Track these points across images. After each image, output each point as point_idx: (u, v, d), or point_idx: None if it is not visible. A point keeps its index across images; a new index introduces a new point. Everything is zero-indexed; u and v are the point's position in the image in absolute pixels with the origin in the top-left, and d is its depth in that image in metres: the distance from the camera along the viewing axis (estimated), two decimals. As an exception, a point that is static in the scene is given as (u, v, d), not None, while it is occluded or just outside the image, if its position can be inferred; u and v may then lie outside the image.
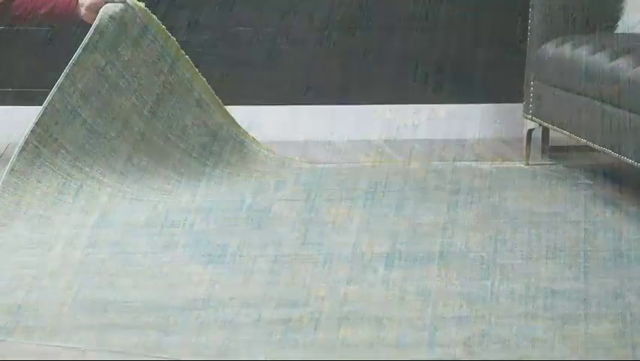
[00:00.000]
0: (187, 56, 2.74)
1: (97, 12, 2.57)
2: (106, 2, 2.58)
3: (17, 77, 3.23)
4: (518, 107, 3.33)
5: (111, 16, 2.55)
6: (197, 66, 2.76)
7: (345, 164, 2.92)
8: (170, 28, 2.71)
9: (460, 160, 2.99)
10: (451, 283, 1.85)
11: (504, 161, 2.96)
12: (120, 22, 2.56)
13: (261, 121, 3.32)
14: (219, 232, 2.19)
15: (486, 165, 2.88)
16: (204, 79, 2.78)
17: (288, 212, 2.36)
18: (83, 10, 2.61)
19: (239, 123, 2.85)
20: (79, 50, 2.49)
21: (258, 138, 3.30)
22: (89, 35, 2.51)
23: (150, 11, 2.66)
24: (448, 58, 3.35)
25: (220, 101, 2.81)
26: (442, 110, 3.36)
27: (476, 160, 2.98)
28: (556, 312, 1.71)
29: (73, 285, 1.84)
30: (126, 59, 2.56)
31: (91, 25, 2.55)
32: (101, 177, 2.44)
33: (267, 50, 3.31)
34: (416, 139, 3.33)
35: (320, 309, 1.73)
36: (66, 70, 2.46)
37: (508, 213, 2.34)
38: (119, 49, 2.56)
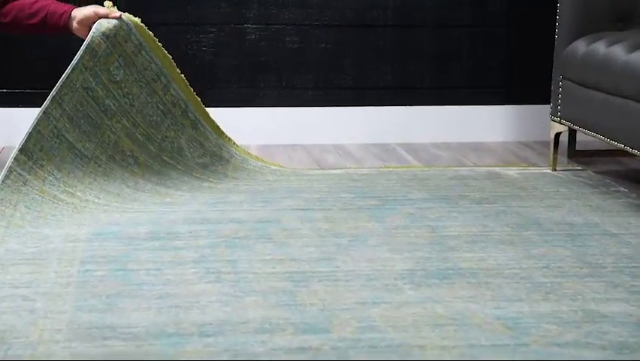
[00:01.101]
0: (182, 75, 2.60)
1: (89, 27, 2.43)
2: (99, 17, 2.43)
3: (13, 78, 3.07)
4: (538, 108, 3.19)
5: (104, 34, 2.39)
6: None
7: (359, 169, 2.75)
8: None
9: (482, 165, 2.83)
10: (486, 304, 1.68)
11: (529, 166, 2.79)
12: (114, 40, 2.41)
13: (269, 123, 3.16)
14: (228, 246, 2.01)
15: (510, 171, 2.71)
16: (198, 98, 2.64)
17: (301, 223, 2.19)
18: (74, 24, 2.46)
19: (235, 142, 2.73)
20: (67, 71, 2.33)
21: (266, 141, 3.15)
22: (79, 55, 2.36)
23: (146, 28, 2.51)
24: (462, 57, 3.19)
25: (214, 120, 2.68)
26: (459, 111, 3.20)
27: (499, 165, 2.81)
28: (607, 339, 1.53)
29: (68, 308, 1.66)
30: (118, 79, 2.42)
31: (82, 39, 2.41)
32: (96, 200, 2.28)
33: (278, 49, 3.14)
34: (432, 142, 3.17)
35: (342, 335, 1.56)
36: (53, 92, 2.30)
37: (540, 225, 2.16)
38: (110, 68, 2.41)
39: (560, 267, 1.87)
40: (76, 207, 2.23)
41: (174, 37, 3.09)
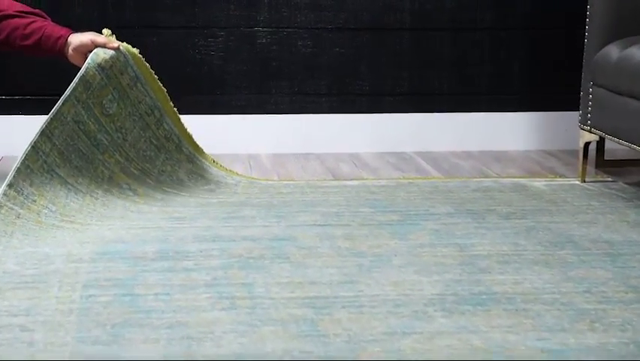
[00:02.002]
0: (175, 108, 2.48)
1: (85, 55, 2.31)
2: (96, 46, 2.30)
3: (13, 84, 2.94)
4: (563, 115, 3.07)
5: (100, 65, 2.28)
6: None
7: (376, 181, 2.61)
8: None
9: (505, 176, 2.69)
10: (526, 335, 1.53)
11: (556, 177, 2.65)
12: (109, 72, 2.29)
13: (281, 131, 3.03)
14: (242, 267, 1.87)
15: (537, 183, 2.57)
16: (190, 132, 2.54)
17: (319, 241, 2.05)
18: (70, 51, 2.33)
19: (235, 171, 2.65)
20: (59, 104, 2.21)
21: (277, 150, 3.04)
22: (72, 87, 2.23)
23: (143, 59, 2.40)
24: (483, 61, 3.06)
25: (208, 155, 2.59)
26: (479, 118, 3.07)
27: (524, 176, 2.67)
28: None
29: (70, 339, 1.52)
30: (111, 112, 2.29)
31: (76, 66, 2.30)
32: (98, 223, 2.15)
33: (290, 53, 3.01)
34: (452, 151, 3.04)
35: (371, 370, 1.42)
36: (42, 126, 2.17)
37: (575, 243, 2.02)
38: (103, 101, 2.29)
39: (602, 291, 1.73)
40: (77, 230, 2.09)
41: (182, 41, 2.96)
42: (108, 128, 2.31)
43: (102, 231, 2.10)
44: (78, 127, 2.24)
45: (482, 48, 3.05)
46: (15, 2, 2.44)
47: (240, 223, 2.19)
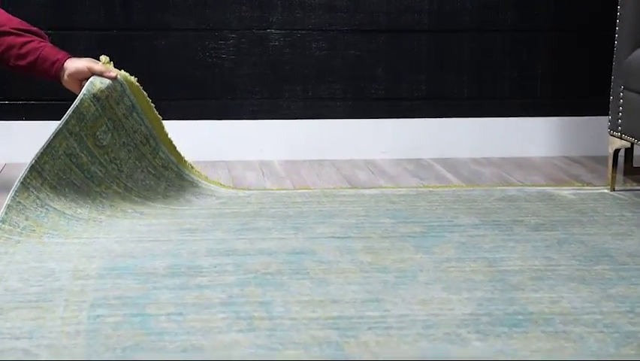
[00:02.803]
0: (170, 137, 2.41)
1: (80, 82, 2.22)
2: (93, 74, 2.21)
3: (14, 88, 2.84)
4: (588, 120, 2.97)
5: (95, 96, 2.18)
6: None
7: (396, 190, 2.50)
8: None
9: (530, 184, 2.58)
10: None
11: (583, 186, 2.54)
12: (105, 103, 2.20)
13: (294, 137, 2.94)
14: (259, 284, 1.76)
15: (564, 191, 2.46)
16: (187, 160, 2.48)
17: (340, 255, 1.94)
18: (65, 76, 2.25)
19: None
20: (50, 137, 2.11)
21: (290, 156, 2.94)
22: (65, 119, 2.13)
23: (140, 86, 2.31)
24: (504, 64, 2.96)
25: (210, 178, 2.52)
26: (500, 124, 2.96)
27: (550, 185, 2.56)
28: None
29: (78, 365, 1.41)
30: (105, 143, 2.20)
31: (71, 91, 2.23)
32: (106, 236, 2.05)
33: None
34: (472, 158, 2.93)
35: (403, 401, 1.31)
36: (31, 161, 2.07)
37: (611, 257, 1.91)
38: (97, 133, 2.20)
39: (646, 311, 1.62)
40: (84, 243, 1.99)
41: (191, 43, 2.86)
42: (102, 160, 2.22)
43: (110, 244, 2.00)
44: (70, 160, 2.15)
45: (503, 50, 2.95)
46: (14, 18, 2.35)
47: (255, 235, 2.08)
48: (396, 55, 2.92)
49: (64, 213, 2.09)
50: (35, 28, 2.37)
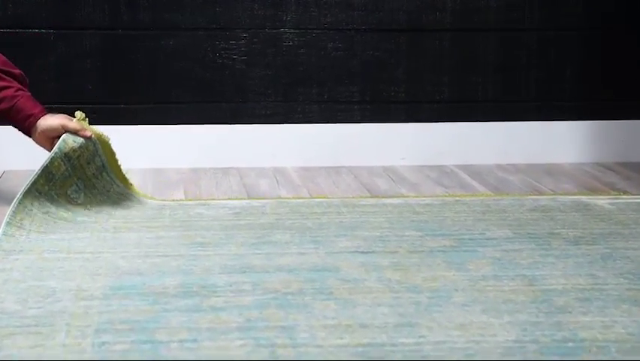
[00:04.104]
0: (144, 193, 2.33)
1: (52, 140, 2.13)
2: (67, 131, 2.12)
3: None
4: (621, 124, 2.85)
5: (67, 155, 2.09)
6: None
7: (420, 199, 2.35)
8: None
9: (562, 192, 2.43)
10: (632, 397, 1.27)
11: (620, 194, 2.39)
12: (75, 163, 2.11)
13: (309, 142, 2.81)
14: (280, 306, 1.61)
15: (601, 201, 2.31)
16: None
17: (365, 272, 1.78)
18: (37, 133, 2.16)
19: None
20: (18, 196, 2.02)
21: (305, 163, 2.82)
22: (33, 178, 2.04)
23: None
24: (531, 66, 2.83)
25: None
26: (527, 128, 2.83)
27: (584, 193, 2.41)
28: None
29: (81, 402, 1.26)
30: (80, 202, 2.11)
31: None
32: (111, 250, 1.92)
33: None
34: (497, 164, 2.79)
35: None
36: (6, 218, 1.98)
37: (662, 275, 1.76)
38: (68, 192, 2.12)
39: None
40: (87, 259, 1.84)
41: (200, 43, 2.72)
42: (84, 212, 2.13)
43: (115, 260, 1.85)
44: (49, 217, 2.06)
45: (530, 50, 2.81)
46: None
47: (273, 250, 1.93)
48: (417, 55, 2.79)
49: (63, 237, 1.99)
50: (18, 71, 2.26)
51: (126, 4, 2.69)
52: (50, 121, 2.16)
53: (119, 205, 2.20)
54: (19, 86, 2.23)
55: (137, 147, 2.73)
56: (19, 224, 2.02)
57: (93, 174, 2.18)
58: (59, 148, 2.10)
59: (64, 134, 2.13)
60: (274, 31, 2.75)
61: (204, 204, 2.30)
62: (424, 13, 2.78)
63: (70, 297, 1.64)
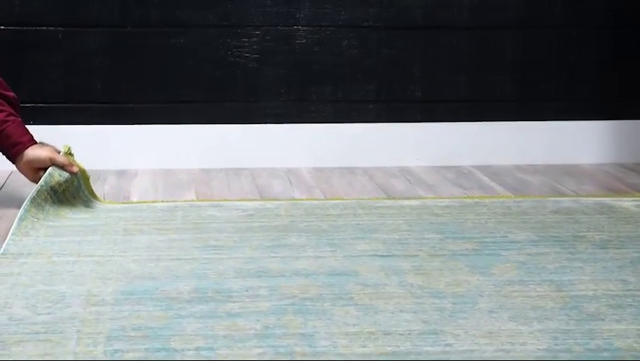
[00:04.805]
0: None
1: (36, 171, 2.13)
2: (53, 164, 2.12)
3: (24, 91, 2.65)
4: (636, 124, 2.80)
5: (52, 188, 2.10)
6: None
7: (438, 200, 2.29)
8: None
9: (584, 194, 2.36)
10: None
11: (644, 196, 2.32)
12: (61, 196, 2.13)
13: (323, 142, 2.75)
14: (298, 312, 1.55)
15: (625, 203, 2.25)
16: None
17: (386, 277, 1.72)
18: (22, 161, 2.14)
19: None
20: (15, 225, 1.97)
21: (319, 163, 2.77)
22: (24, 208, 2.02)
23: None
24: (552, 64, 2.77)
25: None
26: (547, 128, 2.77)
27: (607, 195, 2.34)
28: None
29: (94, 415, 1.20)
30: (65, 240, 2.04)
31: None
32: (122, 254, 1.86)
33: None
34: (516, 165, 2.73)
35: None
36: (4, 246, 1.92)
37: (695, 280, 1.69)
38: (63, 213, 2.12)
39: None
40: (98, 262, 1.78)
41: (212, 41, 2.67)
42: (91, 215, 2.14)
43: (127, 263, 1.79)
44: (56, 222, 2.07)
45: (551, 48, 2.76)
46: None
47: (288, 253, 1.86)
48: (433, 53, 2.74)
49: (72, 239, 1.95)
50: (12, 94, 2.22)
51: (135, 1, 2.64)
52: (38, 152, 2.14)
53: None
54: (11, 110, 2.20)
55: (146, 147, 2.68)
56: (24, 231, 1.98)
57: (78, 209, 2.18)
58: (45, 182, 2.10)
59: (50, 168, 2.12)
60: (287, 28, 2.70)
61: (217, 206, 2.24)
62: (440, 9, 2.73)
63: (81, 302, 1.58)
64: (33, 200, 2.08)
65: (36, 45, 2.61)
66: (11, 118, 2.17)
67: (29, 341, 1.42)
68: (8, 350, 1.39)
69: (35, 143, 2.18)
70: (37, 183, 2.13)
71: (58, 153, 2.17)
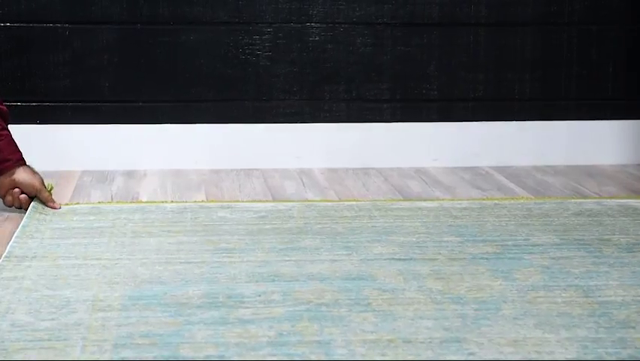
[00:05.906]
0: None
1: (9, 190, 2.13)
2: (32, 197, 2.12)
3: (30, 89, 2.59)
4: None
5: (38, 220, 2.04)
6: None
7: (456, 202, 2.22)
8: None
9: (607, 196, 2.29)
10: None
11: (670, 198, 2.25)
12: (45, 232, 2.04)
13: (336, 142, 2.69)
14: (314, 318, 1.48)
15: (650, 205, 2.17)
16: None
17: (404, 281, 1.65)
18: (6, 178, 2.14)
19: None
20: (10, 245, 1.91)
21: (332, 164, 2.70)
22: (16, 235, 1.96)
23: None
24: (572, 62, 2.70)
25: None
26: (568, 128, 2.70)
27: (631, 196, 2.28)
28: None
29: None
30: (71, 242, 2.00)
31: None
32: (130, 257, 1.81)
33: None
34: (535, 165, 2.66)
35: None
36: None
37: None
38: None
39: None
40: (105, 266, 1.72)
41: (223, 38, 2.61)
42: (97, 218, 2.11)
43: (134, 267, 1.72)
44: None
45: (571, 46, 2.69)
46: None
47: (302, 257, 1.80)
48: (450, 51, 2.67)
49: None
50: (5, 109, 2.19)
51: (145, -3, 2.59)
52: (30, 178, 2.14)
53: None
54: (3, 124, 2.18)
55: (155, 147, 2.62)
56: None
57: None
58: (29, 216, 2.08)
59: (33, 202, 2.13)
60: (300, 25, 2.64)
61: (227, 207, 2.18)
62: (457, 6, 2.66)
63: (87, 308, 1.52)
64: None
65: (43, 42, 2.56)
66: (4, 133, 2.17)
67: (32, 348, 1.37)
68: (10, 356, 1.33)
69: (24, 163, 2.16)
70: (4, 201, 2.14)
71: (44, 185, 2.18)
